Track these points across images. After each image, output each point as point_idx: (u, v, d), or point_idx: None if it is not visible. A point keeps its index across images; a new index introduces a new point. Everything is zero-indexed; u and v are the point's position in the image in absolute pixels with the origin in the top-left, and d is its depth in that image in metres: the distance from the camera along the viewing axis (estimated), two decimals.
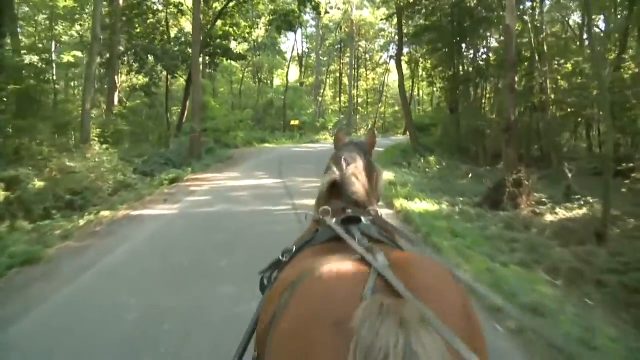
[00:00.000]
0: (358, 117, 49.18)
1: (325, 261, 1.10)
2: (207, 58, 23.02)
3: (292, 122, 32.53)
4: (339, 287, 0.98)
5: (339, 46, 48.00)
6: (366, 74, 52.76)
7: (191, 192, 10.37)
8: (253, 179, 12.44)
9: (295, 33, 36.02)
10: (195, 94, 16.34)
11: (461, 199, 11.16)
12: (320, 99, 42.44)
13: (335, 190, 1.63)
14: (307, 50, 49.74)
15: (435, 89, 30.68)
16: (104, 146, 12.59)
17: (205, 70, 30.36)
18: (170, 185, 11.29)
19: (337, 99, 50.33)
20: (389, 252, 1.17)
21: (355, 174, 1.63)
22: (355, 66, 46.21)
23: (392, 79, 57.21)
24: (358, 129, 45.74)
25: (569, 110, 16.28)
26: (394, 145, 26.36)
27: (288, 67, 37.42)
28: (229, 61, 26.51)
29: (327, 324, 0.88)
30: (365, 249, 1.13)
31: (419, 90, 57.49)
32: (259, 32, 34.30)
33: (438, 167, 17.35)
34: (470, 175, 17.28)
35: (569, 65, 15.63)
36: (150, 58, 20.76)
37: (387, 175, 12.99)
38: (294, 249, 1.44)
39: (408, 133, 32.19)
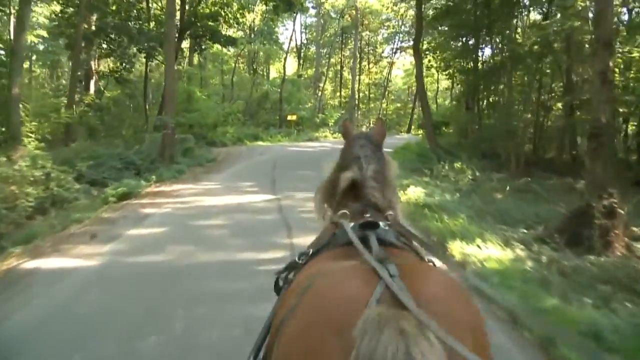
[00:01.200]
0: (359, 113, 45.96)
1: (336, 267, 1.12)
2: (192, 41, 19.68)
3: (289, 117, 29.28)
4: (345, 295, 0.96)
5: (340, 37, 44.73)
6: (368, 67, 49.50)
7: (142, 217, 7.18)
8: (236, 194, 9.25)
9: (295, 16, 32.77)
10: (167, 79, 13.10)
11: (524, 230, 8.05)
12: (320, 93, 39.12)
13: (353, 191, 1.55)
14: (305, 41, 46.51)
15: (453, 84, 27.47)
16: (38, 145, 9.42)
17: (192, 57, 27.13)
18: (118, 204, 8.10)
19: (338, 94, 47.05)
20: (403, 260, 1.14)
21: (374, 175, 1.57)
22: (358, 58, 42.84)
23: (395, 73, 54.32)
24: (360, 125, 42.54)
25: None
26: (403, 146, 23.35)
27: (285, 57, 34.05)
28: (217, 46, 23.31)
29: (330, 331, 0.87)
30: (378, 258, 1.08)
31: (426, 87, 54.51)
32: (254, 17, 31.06)
33: (471, 177, 14.22)
34: (507, 189, 14.28)
35: None
36: (124, 39, 17.56)
37: (415, 191, 9.93)
38: (310, 252, 1.40)
39: (424, 132, 29.14)
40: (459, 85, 27.21)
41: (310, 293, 1.02)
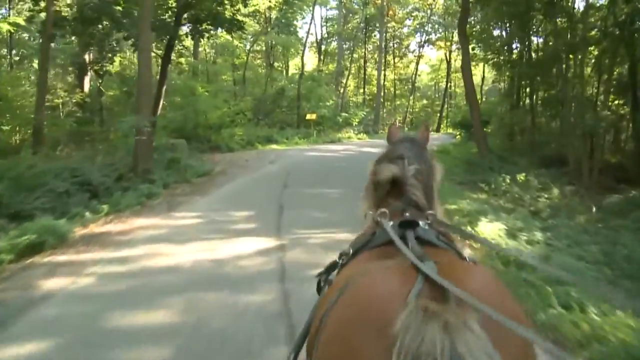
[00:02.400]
0: (384, 111, 42.32)
1: (374, 266, 1.12)
2: (192, 27, 16.43)
3: (308, 117, 25.86)
4: (384, 292, 0.96)
5: (364, 29, 41.17)
6: (394, 62, 45.78)
7: (20, 307, 3.86)
8: (219, 239, 5.90)
9: (314, 7, 29.43)
10: (141, 67, 9.83)
11: None
12: (342, 89, 35.57)
13: (394, 190, 1.52)
14: (326, 35, 43.02)
15: (498, 77, 23.75)
16: None
17: (198, 50, 24.00)
18: (18, 264, 4.83)
19: (361, 90, 43.45)
20: (442, 258, 1.12)
21: (416, 174, 1.53)
22: (384, 51, 39.17)
23: (420, 68, 50.33)
24: (386, 124, 38.97)
25: None
26: (440, 148, 19.83)
27: (303, 49, 30.58)
28: (227, 37, 20.17)
29: (370, 328, 0.87)
30: (416, 255, 1.08)
31: (453, 83, 50.39)
32: (270, 7, 27.76)
33: (548, 197, 10.69)
34: (594, 210, 10.80)
35: None
36: (107, 23, 14.47)
37: (495, 226, 6.52)
38: (351, 252, 1.39)
39: (460, 133, 25.51)
40: (505, 80, 23.46)
41: (349, 290, 1.01)
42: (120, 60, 21.80)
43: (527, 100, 19.47)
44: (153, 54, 17.64)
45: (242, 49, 28.90)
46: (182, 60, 21.15)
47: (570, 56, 15.17)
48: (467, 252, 1.33)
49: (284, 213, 7.34)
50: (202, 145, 17.33)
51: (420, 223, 1.33)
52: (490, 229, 6.46)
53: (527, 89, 19.47)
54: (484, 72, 54.51)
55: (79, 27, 14.52)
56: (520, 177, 11.93)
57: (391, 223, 1.33)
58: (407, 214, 1.40)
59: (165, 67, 16.63)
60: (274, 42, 31.26)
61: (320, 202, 8.17)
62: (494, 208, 9.59)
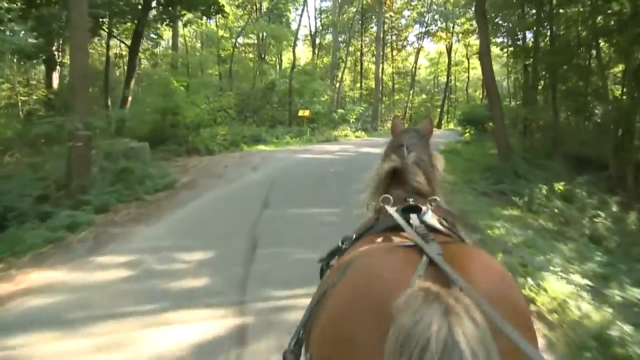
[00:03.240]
0: (383, 107, 39.95)
1: (377, 247, 1.11)
2: (161, 8, 14.09)
3: (301, 113, 23.52)
4: (386, 273, 0.95)
5: (360, 20, 38.85)
6: (392, 54, 43.45)
7: None
8: (139, 317, 3.63)
9: None
10: (74, 55, 7.53)
11: None
12: (337, 84, 33.16)
13: (396, 178, 1.56)
14: (321, 27, 40.65)
15: (516, 67, 21.59)
16: None
17: (177, 40, 21.66)
18: None
19: (358, 85, 41.11)
20: (446, 242, 1.13)
21: (417, 161, 1.56)
22: (381, 43, 36.82)
23: (419, 62, 47.89)
24: (385, 120, 36.76)
25: None
26: (448, 148, 17.65)
27: (295, 39, 28.11)
28: (204, 21, 17.83)
29: (370, 308, 0.86)
30: (421, 237, 1.07)
31: (454, 77, 48.10)
32: None
33: (604, 216, 8.48)
34: None
35: None
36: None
37: (561, 291, 4.16)
38: (354, 237, 1.38)
39: (469, 130, 23.24)
40: (518, 72, 21.23)
41: (350, 272, 1.00)
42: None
43: (543, 94, 17.33)
44: (119, 43, 15.40)
45: (227, 39, 26.50)
46: (158, 51, 18.78)
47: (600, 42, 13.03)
48: (468, 237, 1.39)
49: (256, 255, 5.08)
50: (179, 148, 15.04)
51: (423, 208, 1.32)
52: (565, 291, 4.13)
53: (543, 82, 17.31)
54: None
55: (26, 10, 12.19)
56: (559, 186, 9.73)
57: (394, 209, 1.31)
58: (411, 200, 1.40)
59: (134, 57, 14.36)
60: (264, 34, 28.92)
61: (309, 232, 5.92)
62: (536, 231, 7.41)
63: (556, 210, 8.97)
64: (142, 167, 9.31)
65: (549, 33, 15.70)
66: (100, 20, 13.02)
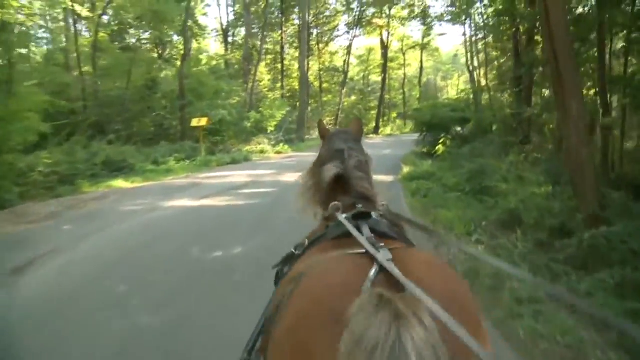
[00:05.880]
0: (309, 110, 33.06)
1: (329, 256, 1.12)
2: None
3: (195, 122, 16.16)
4: (338, 281, 0.96)
5: (280, 9, 32.17)
6: (319, 48, 36.97)
7: None
8: None
9: None
10: None
11: None
12: (251, 83, 25.77)
13: (340, 184, 1.55)
14: (234, 18, 33.48)
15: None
16: None
17: None
18: None
19: (279, 85, 34.17)
20: (394, 247, 1.13)
21: (358, 165, 1.58)
22: (307, 29, 30.12)
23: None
24: (314, 127, 30.15)
25: None
26: (413, 172, 11.52)
27: (185, 19, 20.19)
28: None
29: (325, 317, 0.86)
30: (371, 243, 1.09)
31: (387, 74, 42.48)
32: None
33: None
34: None
35: None
36: None
37: None
38: (306, 243, 1.37)
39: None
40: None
41: (304, 282, 1.01)
42: None
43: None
44: None
45: (91, 20, 18.51)
46: None
47: None
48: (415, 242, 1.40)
49: None
50: None
51: (373, 214, 1.34)
52: None
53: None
54: (422, 60, 47.72)
55: None
56: None
57: (344, 215, 1.32)
58: (359, 206, 1.40)
59: None
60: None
61: None
62: None
63: None
64: None
65: None
66: None
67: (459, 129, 17.47)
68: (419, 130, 17.83)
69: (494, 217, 7.04)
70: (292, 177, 11.45)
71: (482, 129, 17.13)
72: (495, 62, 16.45)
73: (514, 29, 13.13)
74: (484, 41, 18.65)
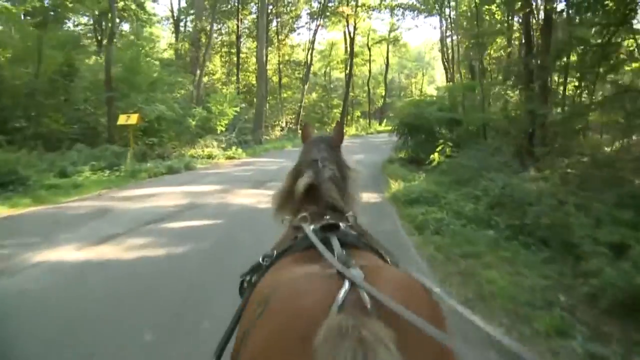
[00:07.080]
0: (267, 107, 29.61)
1: (297, 274, 1.09)
2: None
3: (122, 120, 12.71)
4: (308, 302, 0.93)
5: None
6: (278, 39, 33.65)
7: None
8: None
9: None
10: None
11: None
12: (198, 74, 22.16)
13: (311, 193, 1.53)
14: (185, 6, 29.77)
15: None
16: None
17: None
18: None
19: (234, 78, 30.65)
20: (367, 262, 1.12)
21: (331, 177, 1.57)
22: (266, 16, 26.79)
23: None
24: (272, 126, 27.03)
25: None
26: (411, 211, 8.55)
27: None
28: None
29: (294, 340, 0.85)
30: (341, 261, 1.05)
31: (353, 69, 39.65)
32: None
33: None
34: None
35: None
36: None
37: None
38: (275, 254, 1.33)
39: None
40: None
41: (272, 304, 0.98)
42: None
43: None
44: None
45: None
46: None
47: None
48: (384, 251, 1.37)
49: None
50: None
51: (341, 225, 1.33)
52: None
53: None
54: (388, 55, 45.18)
55: None
56: None
57: (312, 227, 1.31)
58: (328, 217, 1.39)
59: None
60: None
61: None
62: None
63: None
64: None
65: None
66: None
67: (444, 131, 14.80)
68: (399, 132, 14.98)
69: (577, 289, 4.28)
70: (247, 198, 8.36)
71: (470, 132, 14.58)
72: (491, 52, 13.80)
73: (527, 9, 10.48)
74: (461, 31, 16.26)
